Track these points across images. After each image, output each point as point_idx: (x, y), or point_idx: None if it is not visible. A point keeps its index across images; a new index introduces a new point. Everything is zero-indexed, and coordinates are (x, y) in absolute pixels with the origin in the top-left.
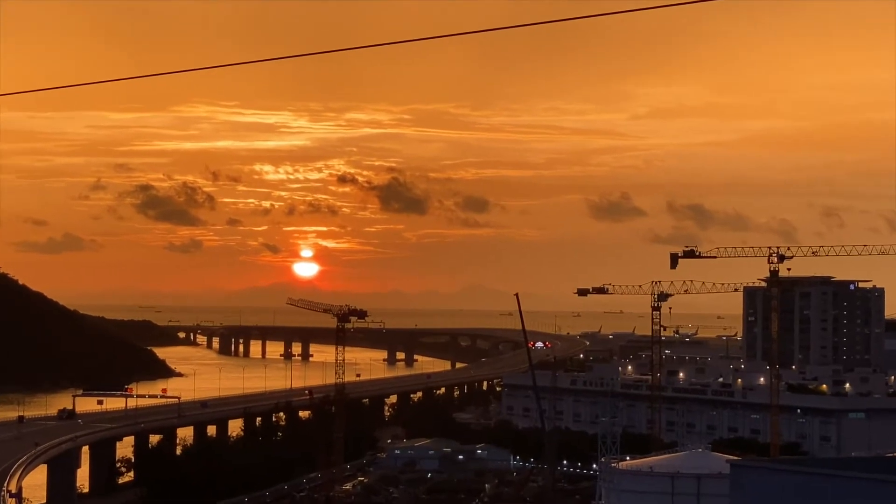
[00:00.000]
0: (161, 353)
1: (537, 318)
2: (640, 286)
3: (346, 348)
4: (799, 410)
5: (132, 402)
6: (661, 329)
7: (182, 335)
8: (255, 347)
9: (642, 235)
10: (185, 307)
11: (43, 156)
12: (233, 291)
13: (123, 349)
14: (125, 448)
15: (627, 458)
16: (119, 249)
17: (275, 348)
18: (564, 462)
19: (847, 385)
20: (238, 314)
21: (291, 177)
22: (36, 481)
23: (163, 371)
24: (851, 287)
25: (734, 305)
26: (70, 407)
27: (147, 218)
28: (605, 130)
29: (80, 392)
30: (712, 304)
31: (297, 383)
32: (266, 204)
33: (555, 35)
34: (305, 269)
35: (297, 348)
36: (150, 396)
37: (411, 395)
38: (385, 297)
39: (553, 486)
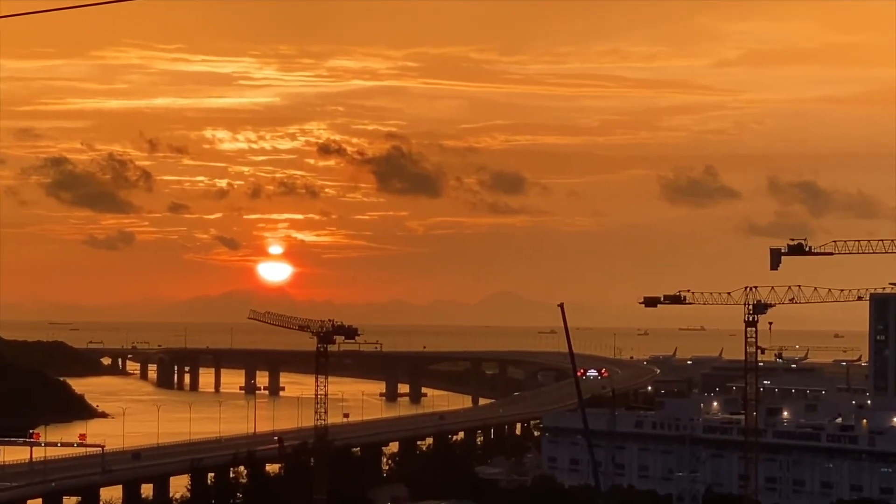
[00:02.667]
0: (79, 385)
1: (590, 337)
2: (728, 293)
3: (330, 378)
4: None
5: (39, 453)
6: (759, 352)
7: (107, 361)
8: (207, 378)
9: (733, 224)
10: (110, 323)
11: None
12: (176, 302)
13: (27, 380)
14: None
15: None
16: (22, 245)
17: (233, 379)
18: None
19: None
20: (183, 333)
21: (255, 146)
22: None
23: (81, 410)
24: None
25: (857, 320)
26: None
27: (60, 202)
28: (682, 82)
29: None
30: (827, 317)
31: (264, 426)
32: (221, 183)
33: None
34: (274, 270)
35: (262, 379)
36: (64, 444)
37: (418, 443)
38: (383, 309)
39: None
